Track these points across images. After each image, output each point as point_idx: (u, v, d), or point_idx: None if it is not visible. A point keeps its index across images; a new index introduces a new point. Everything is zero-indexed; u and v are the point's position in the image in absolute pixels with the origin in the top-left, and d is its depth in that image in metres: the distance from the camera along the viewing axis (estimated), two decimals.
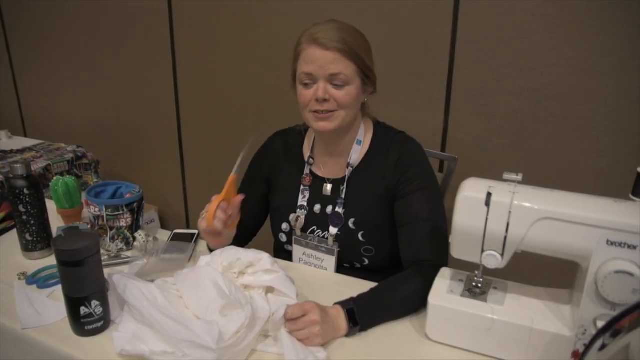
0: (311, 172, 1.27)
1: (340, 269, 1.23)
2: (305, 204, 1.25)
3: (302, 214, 1.25)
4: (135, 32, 2.43)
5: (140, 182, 1.43)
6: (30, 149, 2.45)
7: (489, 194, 0.86)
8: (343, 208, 1.21)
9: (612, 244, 0.78)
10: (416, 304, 1.01)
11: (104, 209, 1.25)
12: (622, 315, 0.62)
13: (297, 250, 1.27)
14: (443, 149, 1.82)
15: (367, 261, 1.21)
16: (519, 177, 0.88)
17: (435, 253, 1.09)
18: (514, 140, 1.70)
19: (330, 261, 1.23)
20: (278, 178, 1.30)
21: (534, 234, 0.84)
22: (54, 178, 1.39)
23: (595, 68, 1.53)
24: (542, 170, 1.68)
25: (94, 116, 2.77)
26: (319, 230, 1.24)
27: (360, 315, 0.95)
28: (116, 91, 2.63)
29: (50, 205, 1.32)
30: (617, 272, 0.76)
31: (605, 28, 1.49)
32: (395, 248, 1.16)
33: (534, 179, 0.91)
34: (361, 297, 0.99)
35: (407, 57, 1.79)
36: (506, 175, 0.88)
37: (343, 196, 1.21)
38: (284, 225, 1.28)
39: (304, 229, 1.25)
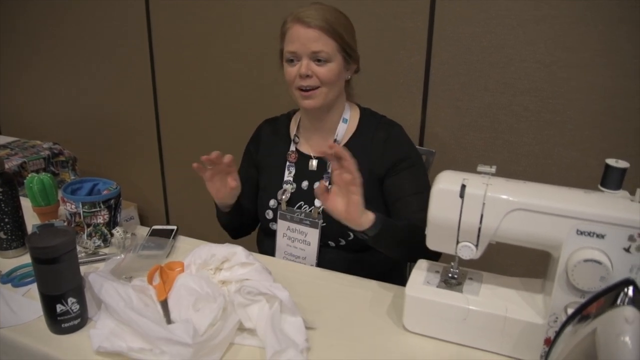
0: (297, 150, 1.30)
1: (323, 247, 1.25)
2: (291, 179, 1.28)
3: (288, 188, 1.28)
4: (112, 28, 2.39)
5: (120, 179, 1.42)
6: (4, 146, 2.39)
7: (463, 186, 0.87)
8: (330, 183, 1.22)
9: (582, 233, 0.80)
10: (417, 250, 1.03)
11: (81, 206, 1.23)
12: (590, 302, 0.64)
13: (281, 225, 1.28)
14: (421, 143, 1.84)
15: (351, 235, 1.23)
16: (493, 170, 0.89)
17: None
18: (490, 134, 1.72)
19: (314, 235, 1.24)
20: (265, 159, 1.35)
21: (507, 225, 0.85)
22: (29, 175, 1.37)
23: (567, 63, 1.56)
24: (517, 163, 1.70)
25: (72, 113, 2.73)
26: (305, 206, 1.27)
27: (381, 223, 1.02)
28: (93, 87, 2.59)
29: (26, 203, 1.30)
30: (586, 260, 0.78)
31: (577, 25, 1.52)
32: None
33: (509, 172, 0.93)
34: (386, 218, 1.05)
35: (384, 53, 1.81)
36: (480, 168, 0.90)
37: (330, 171, 1.23)
38: (272, 202, 1.30)
39: (291, 204, 1.28)
